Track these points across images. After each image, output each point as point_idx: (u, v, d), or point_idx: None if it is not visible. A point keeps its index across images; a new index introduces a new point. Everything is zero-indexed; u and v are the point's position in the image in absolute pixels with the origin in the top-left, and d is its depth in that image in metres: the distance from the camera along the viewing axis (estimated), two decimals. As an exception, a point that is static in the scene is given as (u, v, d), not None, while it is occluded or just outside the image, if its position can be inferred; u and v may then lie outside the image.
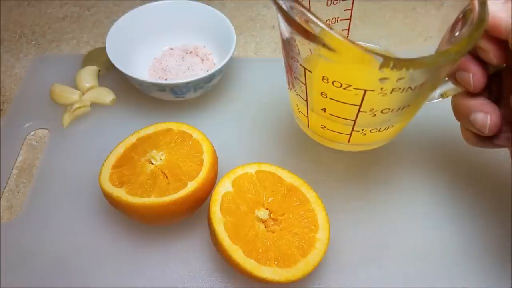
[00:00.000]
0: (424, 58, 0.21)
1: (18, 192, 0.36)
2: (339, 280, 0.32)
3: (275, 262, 0.27)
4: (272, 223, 0.29)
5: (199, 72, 0.42)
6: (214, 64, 0.44)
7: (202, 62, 0.43)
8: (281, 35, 0.26)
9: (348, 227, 0.34)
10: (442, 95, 0.29)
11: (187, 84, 0.37)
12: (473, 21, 0.22)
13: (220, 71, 0.39)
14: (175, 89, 0.38)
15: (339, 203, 0.35)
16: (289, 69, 0.28)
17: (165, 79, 0.42)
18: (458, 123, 0.34)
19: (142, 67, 0.43)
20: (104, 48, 0.39)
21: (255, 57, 0.48)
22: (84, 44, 0.49)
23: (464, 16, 0.23)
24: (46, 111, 0.41)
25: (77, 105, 0.40)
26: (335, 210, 0.35)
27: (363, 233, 0.34)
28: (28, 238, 0.33)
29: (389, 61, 0.20)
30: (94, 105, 0.42)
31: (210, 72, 0.37)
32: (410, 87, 0.23)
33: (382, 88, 0.23)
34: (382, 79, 0.22)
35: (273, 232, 0.29)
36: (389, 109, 0.25)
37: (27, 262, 0.32)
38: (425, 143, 0.39)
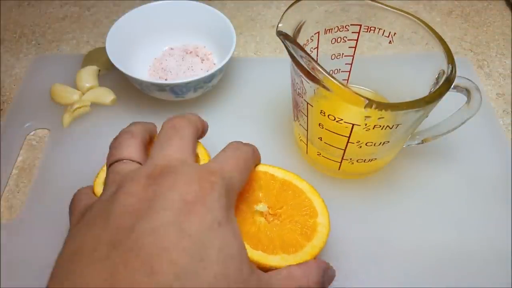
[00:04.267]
0: (400, 103, 0.26)
1: (18, 192, 0.36)
2: (339, 280, 0.32)
3: (282, 251, 0.27)
4: (272, 218, 0.29)
5: (199, 72, 0.42)
6: (214, 64, 0.44)
7: (202, 62, 0.43)
8: (291, 76, 0.32)
9: (348, 227, 0.34)
10: (423, 140, 0.35)
11: (187, 84, 0.37)
12: (443, 80, 0.28)
13: (220, 71, 0.39)
14: (175, 89, 0.38)
15: (339, 203, 0.35)
16: (295, 104, 0.34)
17: (165, 79, 0.42)
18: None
19: (142, 67, 0.43)
20: (104, 48, 0.39)
21: (255, 57, 0.48)
22: (84, 44, 0.49)
23: (438, 76, 0.30)
24: (46, 111, 0.41)
25: (77, 105, 0.40)
26: (335, 210, 0.35)
27: (363, 233, 0.34)
28: (28, 238, 0.33)
29: (372, 103, 0.25)
30: (94, 105, 0.42)
31: (210, 72, 0.37)
32: (388, 126, 0.28)
33: (366, 124, 0.28)
34: (366, 117, 0.28)
35: (275, 225, 0.29)
36: (372, 142, 0.31)
37: (27, 262, 0.32)
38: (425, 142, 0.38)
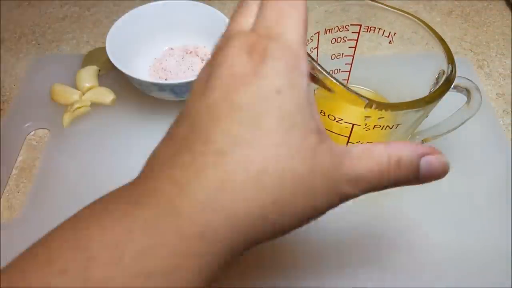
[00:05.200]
0: (400, 103, 0.26)
1: (18, 192, 0.36)
2: (339, 280, 0.32)
3: None
4: None
5: (199, 72, 0.42)
6: (214, 64, 0.44)
7: (202, 62, 0.43)
8: None
9: (348, 227, 0.34)
10: (423, 140, 0.35)
11: (187, 84, 0.37)
12: (443, 80, 0.28)
13: (220, 71, 0.39)
14: (175, 89, 0.38)
15: (339, 203, 0.35)
16: None
17: (165, 79, 0.42)
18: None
19: (142, 67, 0.43)
20: (104, 48, 0.39)
21: (255, 57, 0.48)
22: (84, 44, 0.49)
23: (438, 76, 0.29)
24: (46, 111, 0.41)
25: (77, 105, 0.40)
26: (334, 210, 0.35)
27: (363, 233, 0.34)
28: (28, 238, 0.33)
29: (372, 103, 0.25)
30: (94, 105, 0.42)
31: (210, 72, 0.37)
32: (388, 126, 0.28)
33: (366, 124, 0.28)
34: (366, 117, 0.27)
35: None
36: (372, 142, 0.28)
37: (27, 262, 0.32)
38: (425, 142, 0.38)
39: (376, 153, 0.19)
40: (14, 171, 0.38)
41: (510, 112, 0.43)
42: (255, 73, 0.18)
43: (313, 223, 0.35)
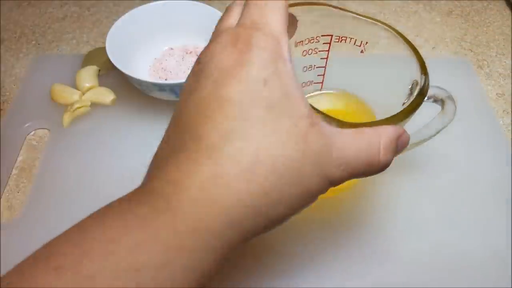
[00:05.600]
0: (375, 121, 0.24)
1: (18, 192, 0.37)
2: (339, 280, 0.32)
3: None
4: None
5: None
6: (214, 64, 0.44)
7: (202, 62, 0.43)
8: None
9: (347, 227, 0.34)
10: None
11: (187, 84, 0.37)
12: (417, 92, 0.26)
13: (220, 71, 0.39)
14: (175, 89, 0.38)
15: (339, 203, 0.35)
16: None
17: (165, 79, 0.42)
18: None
19: (142, 67, 0.43)
20: (104, 48, 0.39)
21: (255, 57, 0.48)
22: (84, 44, 0.49)
23: (411, 87, 0.28)
24: (46, 111, 0.41)
25: (77, 105, 0.40)
26: (334, 209, 0.35)
27: (363, 233, 0.34)
28: (28, 238, 0.33)
29: (344, 124, 0.22)
30: (94, 105, 0.42)
31: (210, 72, 0.37)
32: None
33: None
34: None
35: None
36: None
37: (27, 262, 0.32)
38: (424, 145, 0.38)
39: (366, 136, 0.20)
40: (14, 171, 0.38)
41: (510, 112, 0.43)
42: (241, 63, 0.18)
43: (312, 223, 0.35)
